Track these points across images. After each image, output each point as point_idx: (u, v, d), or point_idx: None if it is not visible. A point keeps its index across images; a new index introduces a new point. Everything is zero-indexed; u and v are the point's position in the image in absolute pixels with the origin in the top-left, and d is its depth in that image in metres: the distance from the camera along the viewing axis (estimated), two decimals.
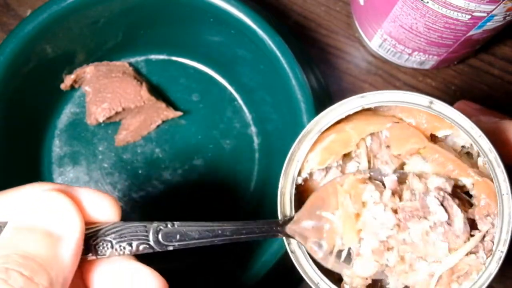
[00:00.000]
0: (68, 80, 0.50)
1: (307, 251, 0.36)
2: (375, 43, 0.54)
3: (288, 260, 0.44)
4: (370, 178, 0.36)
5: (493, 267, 0.33)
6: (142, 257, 0.32)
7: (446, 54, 0.50)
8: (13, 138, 0.47)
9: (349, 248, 0.36)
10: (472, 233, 0.34)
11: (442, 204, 0.34)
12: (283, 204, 0.37)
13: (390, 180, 0.36)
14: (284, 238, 0.36)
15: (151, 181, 0.51)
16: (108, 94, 0.49)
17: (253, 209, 0.50)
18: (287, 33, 0.51)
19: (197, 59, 0.53)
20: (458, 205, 0.34)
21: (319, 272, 0.35)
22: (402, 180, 0.36)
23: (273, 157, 0.51)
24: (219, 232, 0.33)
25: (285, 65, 0.45)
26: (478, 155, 0.37)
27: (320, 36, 0.57)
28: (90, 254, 0.30)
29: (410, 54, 0.52)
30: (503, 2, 0.40)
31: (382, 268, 0.35)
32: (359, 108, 0.36)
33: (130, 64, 0.52)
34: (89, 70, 0.50)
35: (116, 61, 0.51)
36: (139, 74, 0.52)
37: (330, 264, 0.36)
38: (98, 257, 0.30)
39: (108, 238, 0.31)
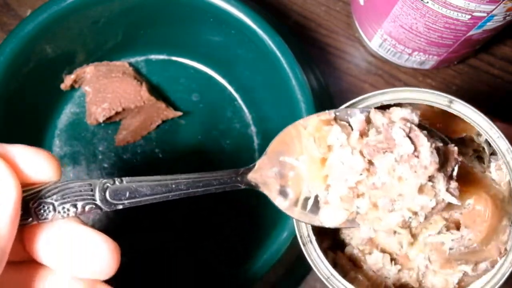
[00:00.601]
0: (68, 80, 0.50)
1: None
2: (375, 43, 0.54)
3: (291, 257, 0.44)
4: (335, 119, 0.34)
5: (507, 267, 0.32)
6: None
7: (446, 54, 0.50)
8: (13, 138, 0.46)
9: (316, 196, 0.33)
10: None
11: (408, 136, 0.31)
12: None
13: (357, 120, 0.33)
14: (296, 231, 0.34)
15: None
16: (108, 94, 0.49)
17: (253, 208, 0.50)
18: (287, 33, 0.51)
19: (197, 59, 0.53)
20: (426, 136, 0.32)
21: (330, 266, 0.34)
22: (369, 119, 0.34)
23: None
24: (173, 186, 0.31)
25: (285, 65, 0.45)
26: (490, 161, 0.36)
27: (320, 36, 0.57)
28: (30, 219, 0.28)
29: (410, 54, 0.52)
30: (503, 2, 0.40)
31: (353, 216, 0.33)
32: (379, 104, 0.35)
33: (130, 64, 0.52)
34: (89, 70, 0.50)
35: (116, 61, 0.51)
36: (139, 74, 0.52)
37: (296, 214, 0.33)
38: (40, 221, 0.28)
39: (49, 200, 0.28)
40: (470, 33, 0.45)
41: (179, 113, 0.51)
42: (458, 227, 0.36)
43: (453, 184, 0.32)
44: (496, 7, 0.41)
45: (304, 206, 0.33)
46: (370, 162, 0.32)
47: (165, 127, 0.52)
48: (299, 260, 0.50)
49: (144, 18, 0.49)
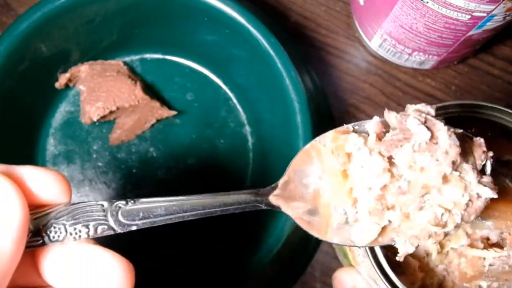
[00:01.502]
0: (62, 79, 0.50)
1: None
2: (375, 43, 0.53)
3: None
4: (354, 129, 0.33)
5: None
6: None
7: (446, 54, 0.50)
8: (8, 136, 0.47)
9: (345, 213, 0.32)
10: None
11: (424, 125, 0.30)
12: None
13: (373, 123, 0.32)
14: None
15: (145, 180, 0.51)
16: (102, 93, 0.49)
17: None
18: (282, 33, 0.51)
19: (192, 58, 0.53)
20: (442, 121, 0.30)
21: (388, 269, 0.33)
22: (386, 123, 0.32)
23: (267, 156, 0.50)
24: (188, 207, 0.30)
25: (280, 65, 0.45)
26: None
27: (320, 36, 0.57)
28: (41, 241, 0.27)
29: (410, 54, 0.51)
30: (503, 2, 0.40)
31: (386, 233, 0.31)
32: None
33: (125, 63, 0.52)
34: (83, 69, 0.50)
35: (111, 60, 0.51)
36: (133, 73, 0.52)
37: (323, 233, 0.32)
38: (51, 243, 0.27)
39: (60, 221, 0.28)
40: (470, 33, 0.45)
41: (174, 112, 0.51)
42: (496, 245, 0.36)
43: (487, 178, 0.31)
44: (496, 7, 0.41)
45: (332, 226, 0.32)
46: (391, 162, 0.31)
47: (159, 126, 0.52)
48: (297, 256, 0.50)
49: (139, 17, 0.49)
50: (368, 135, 0.32)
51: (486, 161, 0.32)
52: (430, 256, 0.37)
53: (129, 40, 0.52)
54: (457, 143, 0.30)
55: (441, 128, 0.30)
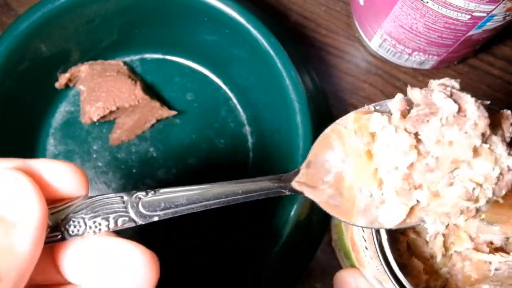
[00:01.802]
0: (62, 79, 0.50)
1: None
2: (375, 43, 0.53)
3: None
4: (375, 109, 0.32)
5: None
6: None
7: (446, 54, 0.50)
8: (8, 136, 0.47)
9: (370, 195, 0.31)
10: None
11: (450, 98, 0.29)
12: None
13: (396, 101, 0.31)
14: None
15: (145, 180, 0.51)
16: (102, 93, 0.49)
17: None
18: (282, 33, 0.51)
19: (192, 58, 0.53)
20: (472, 96, 0.29)
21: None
22: (410, 101, 0.31)
23: (267, 156, 0.50)
24: (211, 195, 0.29)
25: (279, 65, 0.45)
26: None
27: (320, 36, 0.57)
28: (60, 236, 0.26)
29: (410, 54, 0.51)
30: (503, 2, 0.40)
31: (415, 214, 0.31)
32: None
33: (125, 63, 0.52)
34: (83, 69, 0.50)
35: (111, 60, 0.51)
36: (133, 73, 0.52)
37: (353, 216, 0.31)
38: (70, 238, 0.26)
39: (79, 214, 0.27)
40: (470, 33, 0.45)
41: (174, 112, 0.51)
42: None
43: None
44: (496, 7, 0.40)
45: (358, 209, 0.32)
46: (417, 138, 0.30)
47: (159, 126, 0.52)
48: (297, 255, 0.50)
49: (139, 17, 0.49)
50: (391, 114, 0.31)
51: None
52: (435, 259, 0.37)
53: (129, 40, 0.52)
54: (486, 114, 0.29)
55: (468, 100, 0.29)
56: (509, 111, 0.31)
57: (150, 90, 0.52)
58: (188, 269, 0.48)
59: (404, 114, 0.31)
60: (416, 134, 0.30)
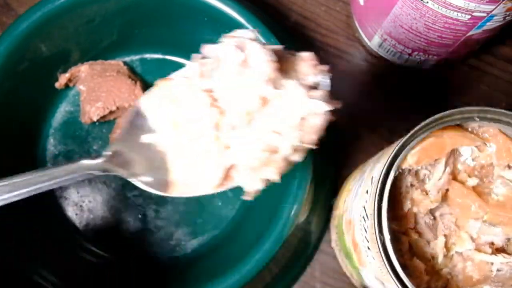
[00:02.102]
0: (62, 79, 0.50)
1: None
2: (375, 43, 0.53)
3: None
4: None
5: None
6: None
7: (446, 54, 0.50)
8: (8, 136, 0.47)
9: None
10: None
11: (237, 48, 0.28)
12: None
13: (194, 61, 0.31)
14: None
15: None
16: (102, 93, 0.49)
17: (248, 206, 0.50)
18: (282, 33, 0.51)
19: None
20: (255, 40, 0.28)
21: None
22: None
23: None
24: (20, 185, 0.31)
25: None
26: None
27: (320, 36, 0.57)
28: None
29: (410, 54, 0.51)
30: (503, 2, 0.40)
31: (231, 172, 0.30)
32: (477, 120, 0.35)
33: (125, 63, 0.52)
34: (83, 69, 0.50)
35: (111, 60, 0.51)
36: (133, 73, 0.52)
37: (172, 189, 0.31)
38: None
39: None
40: (470, 33, 0.45)
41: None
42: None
43: (320, 92, 0.29)
44: (496, 7, 0.41)
45: (177, 182, 0.31)
46: (214, 98, 0.29)
47: None
48: (296, 256, 0.50)
49: (139, 17, 0.49)
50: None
51: (320, 75, 0.29)
52: (436, 259, 0.37)
53: (129, 40, 0.52)
54: (272, 58, 0.28)
55: (253, 47, 0.28)
56: (307, 53, 0.29)
57: None
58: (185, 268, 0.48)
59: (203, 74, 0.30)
60: (211, 92, 0.29)
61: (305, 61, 0.30)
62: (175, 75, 0.32)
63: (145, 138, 0.31)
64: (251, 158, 0.29)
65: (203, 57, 0.31)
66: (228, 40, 0.29)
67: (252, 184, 0.30)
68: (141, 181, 0.32)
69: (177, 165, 0.31)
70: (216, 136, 0.29)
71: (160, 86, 0.32)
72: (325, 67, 0.30)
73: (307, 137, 0.29)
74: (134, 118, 0.32)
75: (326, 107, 0.28)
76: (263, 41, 0.30)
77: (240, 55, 0.28)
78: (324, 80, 0.30)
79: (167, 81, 0.31)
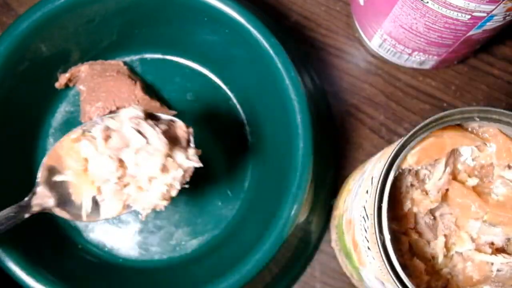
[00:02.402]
0: (62, 79, 0.50)
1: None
2: (375, 43, 0.53)
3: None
4: (84, 134, 0.40)
5: None
6: None
7: (446, 54, 0.50)
8: (7, 136, 0.47)
9: (94, 197, 0.40)
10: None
11: (138, 131, 0.38)
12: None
13: (98, 130, 0.38)
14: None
15: None
16: (102, 93, 0.49)
17: (248, 206, 0.50)
18: (282, 33, 0.51)
19: (192, 58, 0.53)
20: (152, 125, 0.38)
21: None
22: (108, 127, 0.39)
23: (267, 156, 0.50)
24: None
25: (279, 65, 0.45)
26: None
27: (320, 36, 0.57)
28: None
29: (410, 54, 0.51)
30: (503, 2, 0.40)
31: (128, 202, 0.39)
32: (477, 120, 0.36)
33: (125, 63, 0.52)
34: (83, 69, 0.50)
35: (110, 60, 0.51)
36: (133, 73, 0.52)
37: (85, 218, 0.40)
38: None
39: None
40: (470, 33, 0.45)
41: (174, 112, 0.51)
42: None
43: (191, 151, 0.39)
44: (496, 7, 0.40)
45: (87, 210, 0.40)
46: (120, 161, 0.38)
47: None
48: (296, 256, 0.50)
49: (139, 17, 0.49)
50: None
51: (189, 136, 0.40)
52: (436, 259, 0.37)
53: (129, 40, 0.51)
54: (165, 141, 0.38)
55: (151, 132, 0.38)
56: (180, 122, 0.40)
57: (150, 90, 0.52)
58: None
59: (107, 139, 0.38)
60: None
61: (180, 128, 0.40)
62: (79, 131, 0.41)
63: (58, 178, 0.40)
64: (149, 201, 0.39)
65: (107, 127, 0.39)
66: (129, 123, 0.38)
67: (145, 211, 0.40)
68: (60, 212, 0.40)
69: (86, 200, 0.40)
70: (118, 181, 0.39)
71: (69, 144, 0.40)
72: (191, 129, 0.40)
73: (183, 181, 0.40)
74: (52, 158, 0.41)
75: (198, 165, 0.40)
76: (153, 114, 0.41)
77: (143, 140, 0.38)
78: (191, 139, 0.40)
79: (77, 142, 0.40)
